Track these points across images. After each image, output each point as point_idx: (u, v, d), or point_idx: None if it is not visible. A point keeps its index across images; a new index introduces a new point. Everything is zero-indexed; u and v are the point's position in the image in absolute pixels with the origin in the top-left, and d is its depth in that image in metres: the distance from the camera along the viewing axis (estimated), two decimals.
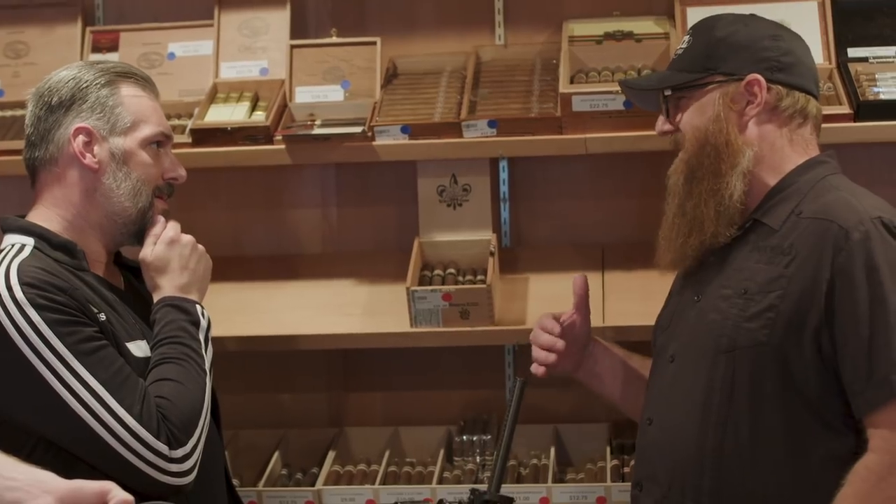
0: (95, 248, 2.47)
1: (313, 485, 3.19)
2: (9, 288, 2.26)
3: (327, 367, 3.52)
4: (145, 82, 2.53)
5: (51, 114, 2.45)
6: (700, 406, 2.34)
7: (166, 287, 2.48)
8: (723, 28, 2.43)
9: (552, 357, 2.58)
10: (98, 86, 2.46)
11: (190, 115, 3.25)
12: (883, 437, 2.17)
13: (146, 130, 2.48)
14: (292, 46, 3.32)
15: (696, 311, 2.40)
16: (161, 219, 2.52)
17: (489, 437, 3.32)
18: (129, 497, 1.84)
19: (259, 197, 3.50)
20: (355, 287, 3.30)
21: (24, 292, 2.25)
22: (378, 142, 3.10)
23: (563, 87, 3.07)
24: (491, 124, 3.07)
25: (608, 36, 3.28)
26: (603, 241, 3.37)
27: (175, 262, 2.49)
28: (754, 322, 2.28)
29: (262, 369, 3.48)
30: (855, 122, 2.96)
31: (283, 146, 3.13)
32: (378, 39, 3.29)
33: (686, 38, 2.48)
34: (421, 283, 3.14)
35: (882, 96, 2.99)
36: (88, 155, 2.43)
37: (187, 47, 3.41)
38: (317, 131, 3.12)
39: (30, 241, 2.39)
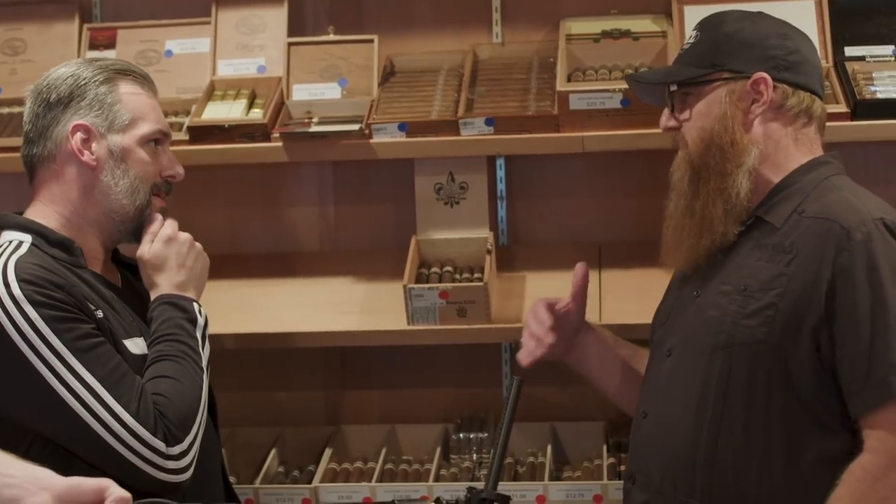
0: (93, 245, 2.47)
1: (310, 482, 3.19)
2: (6, 284, 2.26)
3: (324, 365, 3.52)
4: (144, 80, 2.53)
5: (49, 111, 2.45)
6: (695, 402, 2.35)
7: (163, 285, 2.48)
8: (731, 24, 2.42)
9: (539, 351, 2.59)
10: (97, 83, 2.46)
11: (187, 113, 3.25)
12: (879, 437, 2.17)
13: (144, 128, 2.48)
14: (290, 44, 3.32)
15: (696, 307, 2.41)
16: (158, 216, 2.52)
17: (486, 434, 3.32)
18: (126, 494, 1.84)
19: (256, 195, 3.50)
20: (352, 285, 3.30)
21: (21, 289, 2.25)
22: (375, 140, 3.10)
23: (561, 86, 3.07)
24: (488, 122, 3.08)
25: (605, 34, 3.28)
26: (600, 239, 3.37)
27: (172, 259, 2.49)
28: (753, 319, 2.29)
29: (259, 367, 3.48)
30: (852, 120, 2.96)
31: (280, 144, 3.13)
32: (375, 37, 3.29)
33: (693, 32, 2.47)
34: (418, 281, 3.14)
35: (879, 95, 2.99)
36: (86, 152, 2.43)
37: (185, 45, 3.41)
38: (314, 129, 3.12)
39: (27, 238, 2.39)
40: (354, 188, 3.48)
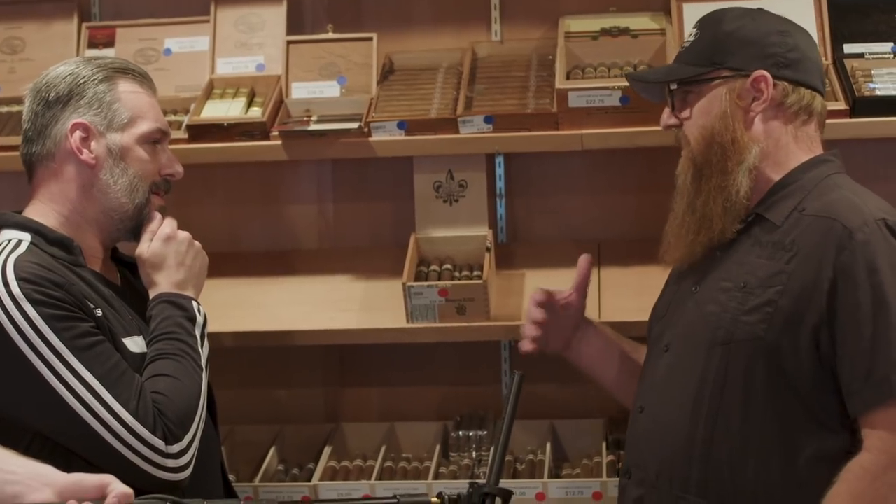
0: (92, 243, 2.47)
1: (309, 480, 3.19)
2: (5, 283, 2.26)
3: (324, 363, 3.52)
4: (143, 78, 2.53)
5: (48, 109, 2.45)
6: (692, 397, 2.35)
7: (163, 283, 2.48)
8: (730, 22, 2.42)
9: (538, 336, 2.60)
10: (95, 81, 2.46)
11: (186, 111, 3.25)
12: (880, 436, 2.18)
13: (143, 126, 2.48)
14: (289, 42, 3.32)
15: (694, 302, 2.41)
16: (157, 215, 2.52)
17: (485, 432, 3.32)
18: (128, 490, 1.85)
19: (255, 193, 3.50)
20: (352, 283, 3.30)
21: (20, 288, 2.25)
22: (374, 138, 3.10)
23: (560, 83, 3.07)
24: (487, 120, 3.07)
25: (604, 32, 3.28)
26: (599, 236, 3.37)
27: (171, 258, 2.49)
28: (752, 316, 2.29)
29: (259, 365, 3.48)
30: (851, 118, 2.96)
31: (279, 142, 3.13)
32: (374, 35, 3.29)
33: (693, 30, 2.47)
34: (417, 279, 3.14)
35: (878, 92, 2.99)
36: (85, 150, 2.43)
37: (183, 43, 3.41)
38: (313, 127, 3.12)
39: (26, 237, 2.39)
40: (353, 186, 3.48)
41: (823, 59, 3.12)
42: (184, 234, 2.53)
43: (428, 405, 3.47)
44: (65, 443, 2.25)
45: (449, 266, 3.21)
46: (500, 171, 3.39)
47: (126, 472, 2.20)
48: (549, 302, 2.63)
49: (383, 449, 3.31)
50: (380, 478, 3.19)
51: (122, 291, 2.50)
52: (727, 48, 2.39)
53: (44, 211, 2.45)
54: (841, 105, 2.97)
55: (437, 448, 3.29)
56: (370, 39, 3.29)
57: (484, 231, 3.28)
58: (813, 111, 2.41)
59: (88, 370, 2.24)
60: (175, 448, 2.28)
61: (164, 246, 2.49)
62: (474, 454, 3.30)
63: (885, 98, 2.97)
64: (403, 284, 3.06)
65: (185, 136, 3.14)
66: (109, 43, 3.41)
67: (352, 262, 3.36)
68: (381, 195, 3.46)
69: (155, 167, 2.51)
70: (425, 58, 3.37)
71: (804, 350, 2.25)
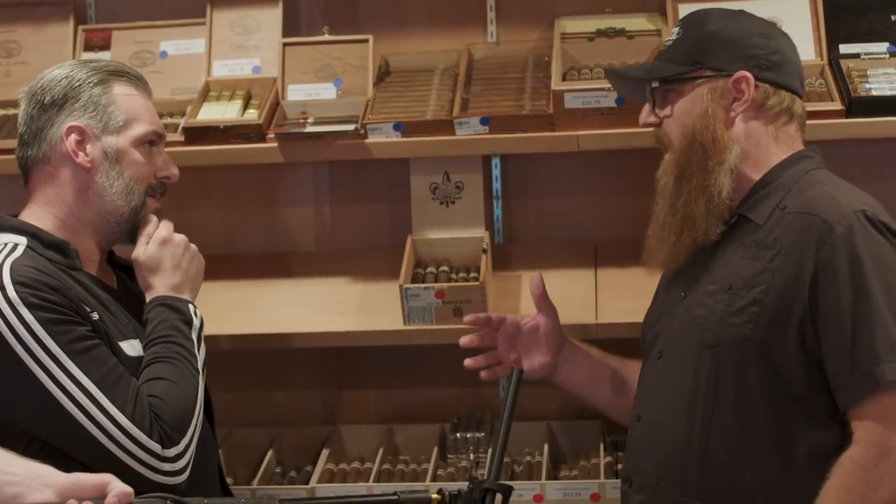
0: (88, 246, 2.47)
1: (307, 483, 3.19)
2: (2, 287, 2.26)
3: (321, 365, 3.52)
4: (138, 81, 2.53)
5: (43, 112, 2.45)
6: (686, 401, 2.36)
7: (159, 286, 2.48)
8: (713, 22, 2.43)
9: (486, 367, 2.71)
10: (91, 84, 2.46)
11: (182, 114, 3.25)
12: (868, 429, 2.18)
13: (139, 129, 2.48)
14: (284, 44, 3.31)
15: (683, 308, 2.42)
16: (153, 218, 2.52)
17: (483, 434, 3.32)
18: (128, 489, 1.86)
19: (252, 195, 3.50)
20: (348, 285, 3.30)
21: (16, 291, 2.25)
22: (370, 139, 3.10)
23: (556, 85, 3.07)
24: (483, 122, 3.07)
25: (600, 33, 3.29)
26: (596, 238, 3.37)
27: (167, 261, 2.49)
28: (739, 317, 2.30)
29: (256, 367, 3.48)
30: (846, 118, 2.96)
31: (275, 144, 3.13)
32: (370, 37, 3.29)
33: (676, 29, 2.48)
34: (414, 281, 3.14)
35: (873, 92, 2.99)
36: (81, 154, 2.43)
37: (179, 45, 3.41)
38: (309, 129, 3.12)
39: (22, 241, 2.38)
40: (350, 188, 3.48)
41: (819, 59, 3.13)
42: (180, 237, 2.53)
43: (425, 407, 3.47)
44: (61, 446, 2.25)
45: (445, 268, 3.21)
46: (496, 172, 3.39)
47: (123, 475, 2.18)
48: (489, 326, 2.68)
49: (381, 451, 3.31)
50: (378, 480, 3.19)
51: (118, 295, 2.50)
52: (710, 48, 2.40)
53: (40, 214, 2.45)
54: (837, 105, 2.97)
55: (435, 450, 3.29)
56: (366, 41, 3.29)
57: (480, 233, 3.28)
58: (793, 113, 2.41)
59: (85, 374, 2.24)
60: (171, 452, 2.27)
61: (160, 249, 2.49)
62: (472, 456, 3.30)
63: (880, 98, 2.97)
64: (400, 286, 3.06)
65: (182, 138, 3.14)
66: (105, 46, 3.41)
67: (348, 265, 3.36)
68: (378, 197, 3.46)
69: (150, 170, 2.51)
70: (421, 59, 3.37)
71: (792, 347, 2.25)
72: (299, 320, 3.17)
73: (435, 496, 2.03)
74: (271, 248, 3.49)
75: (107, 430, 2.23)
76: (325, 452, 3.31)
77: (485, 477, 2.10)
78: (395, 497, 2.02)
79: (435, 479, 3.17)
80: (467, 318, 2.74)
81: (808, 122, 2.84)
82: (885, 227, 2.24)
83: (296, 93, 3.26)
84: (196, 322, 2.46)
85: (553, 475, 3.23)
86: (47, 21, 3.44)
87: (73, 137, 2.43)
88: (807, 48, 3.13)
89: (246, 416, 3.46)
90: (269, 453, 3.32)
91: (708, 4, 3.05)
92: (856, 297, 2.19)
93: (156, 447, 2.25)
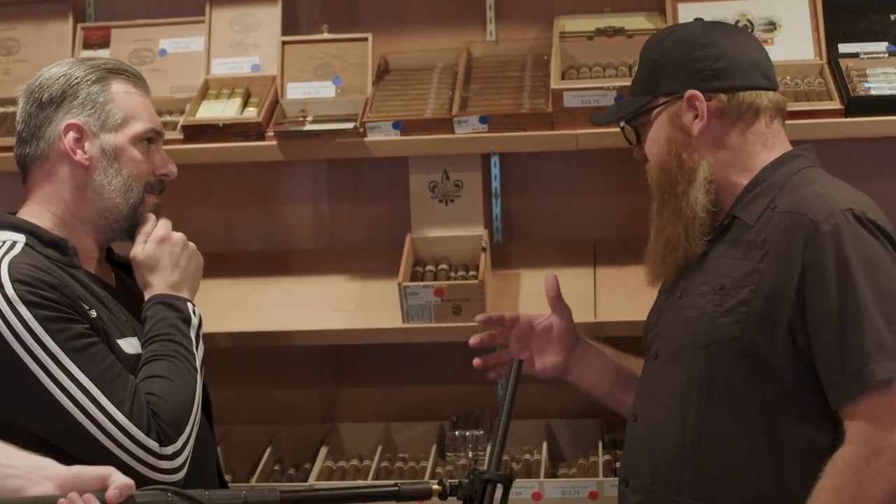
0: (87, 244, 2.47)
1: (306, 480, 3.19)
2: (0, 285, 2.26)
3: (319, 363, 3.52)
4: (136, 79, 2.53)
5: (41, 110, 2.45)
6: (680, 401, 2.36)
7: (157, 285, 2.48)
8: (653, 48, 2.47)
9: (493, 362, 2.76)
10: (89, 82, 2.46)
11: (181, 112, 3.24)
12: (859, 428, 2.17)
13: (137, 127, 2.48)
14: (284, 43, 3.31)
15: (678, 308, 2.42)
16: (152, 217, 2.52)
17: (481, 432, 3.32)
18: (129, 481, 1.86)
19: (251, 193, 3.50)
20: (347, 283, 3.30)
21: (15, 289, 2.25)
22: (370, 138, 3.10)
23: (555, 83, 3.07)
24: (482, 120, 3.07)
25: (599, 32, 3.28)
26: (594, 236, 3.37)
27: (166, 260, 2.49)
28: (729, 317, 2.30)
29: (255, 365, 3.48)
30: (846, 117, 2.96)
31: (274, 142, 3.13)
32: (369, 36, 3.29)
33: (639, 59, 2.51)
34: (413, 279, 3.14)
35: (873, 92, 2.99)
36: (79, 151, 2.43)
37: (178, 43, 3.41)
38: (308, 127, 3.12)
39: (21, 238, 2.38)
40: (349, 186, 3.48)
41: (818, 58, 3.13)
42: (178, 236, 2.53)
43: (424, 405, 3.47)
44: (59, 444, 2.25)
45: (444, 266, 3.21)
46: (495, 170, 3.39)
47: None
48: (502, 324, 2.70)
49: (379, 449, 3.31)
50: (376, 477, 3.19)
51: (116, 292, 2.50)
52: (658, 74, 2.44)
53: (38, 212, 2.45)
54: (836, 105, 2.97)
55: (434, 448, 3.29)
56: (365, 40, 3.29)
57: (479, 231, 3.28)
58: (759, 109, 2.40)
59: (83, 371, 2.25)
60: (169, 450, 2.28)
61: (159, 248, 2.49)
62: (471, 454, 3.30)
63: (879, 97, 2.97)
64: (399, 284, 3.06)
65: (181, 136, 3.14)
66: (104, 44, 3.41)
67: (347, 263, 3.36)
68: (377, 195, 3.46)
69: (149, 167, 2.51)
70: (420, 58, 3.37)
71: (782, 347, 2.25)
72: (298, 318, 3.17)
73: (436, 487, 2.03)
74: (270, 247, 3.49)
75: (104, 427, 2.23)
76: (323, 450, 3.31)
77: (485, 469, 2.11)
78: (397, 488, 2.03)
79: (434, 476, 3.17)
80: (479, 317, 2.75)
81: (808, 121, 2.86)
82: (873, 225, 2.23)
83: (295, 91, 3.26)
84: (195, 320, 2.46)
85: (551, 473, 3.23)
86: (47, 19, 3.44)
87: (72, 135, 2.43)
88: (806, 48, 3.14)
89: (245, 413, 3.46)
90: (268, 451, 3.32)
91: (705, 3, 3.07)
92: (844, 296, 2.18)
93: (153, 445, 2.26)
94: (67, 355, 2.24)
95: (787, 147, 2.43)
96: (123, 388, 2.27)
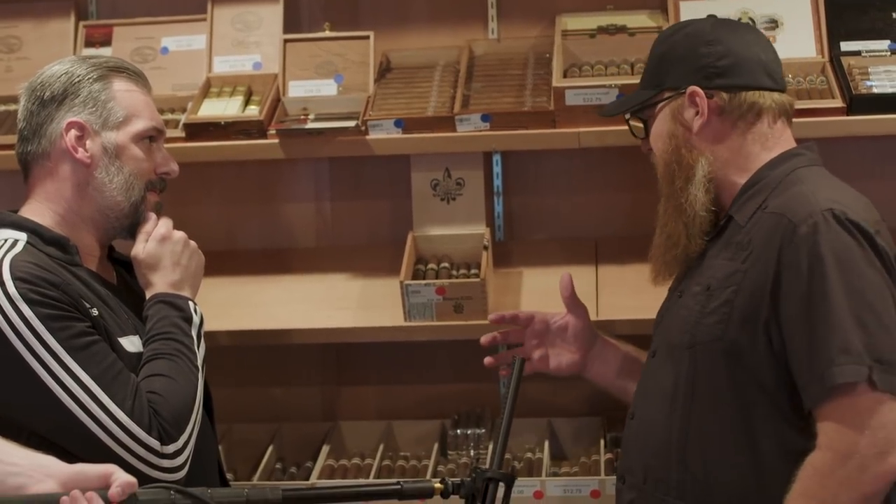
0: (88, 242, 2.47)
1: (307, 479, 3.19)
2: (1, 283, 2.26)
3: (321, 361, 3.52)
4: (138, 77, 2.53)
5: (43, 108, 2.45)
6: (668, 400, 2.37)
7: (159, 284, 2.48)
8: (662, 43, 2.47)
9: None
10: (90, 80, 2.46)
11: (183, 110, 3.24)
12: (826, 432, 2.15)
13: (138, 125, 2.48)
14: (285, 41, 3.31)
15: (677, 307, 2.42)
16: (152, 215, 2.52)
17: (483, 430, 3.32)
18: (131, 479, 1.86)
19: (252, 191, 3.50)
20: (349, 281, 3.30)
21: (16, 287, 2.25)
22: (371, 136, 3.10)
23: (557, 81, 3.07)
24: (484, 118, 3.07)
25: (601, 30, 3.28)
26: (596, 234, 3.37)
27: (167, 258, 2.49)
28: (711, 318, 2.30)
29: (256, 363, 3.49)
30: (847, 115, 2.96)
31: (276, 140, 3.13)
32: (371, 34, 3.29)
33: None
34: (414, 277, 3.14)
35: (875, 90, 2.99)
36: (80, 149, 2.43)
37: (180, 41, 3.41)
38: (310, 125, 3.12)
39: (22, 236, 2.38)
40: (350, 185, 3.48)
41: (820, 56, 3.12)
42: (179, 234, 2.53)
43: (425, 403, 3.47)
44: (60, 442, 2.25)
45: (446, 264, 3.21)
46: (497, 169, 3.39)
47: None
48: (516, 323, 2.71)
49: (381, 447, 3.31)
50: (378, 476, 3.20)
51: (118, 290, 2.50)
52: (664, 69, 2.43)
53: (40, 210, 2.45)
54: (838, 103, 2.97)
55: (435, 446, 3.29)
56: (367, 38, 3.29)
57: (481, 229, 3.28)
58: (762, 109, 2.39)
59: (84, 370, 2.24)
60: (170, 448, 2.28)
61: (160, 246, 2.49)
62: (472, 452, 3.30)
63: (881, 96, 2.97)
64: (401, 283, 3.06)
65: (183, 134, 3.14)
66: (106, 41, 3.41)
67: (349, 261, 3.36)
68: (379, 193, 3.46)
69: (150, 165, 2.51)
70: (422, 56, 3.37)
71: (761, 348, 2.24)
72: (300, 316, 3.17)
73: (438, 486, 2.03)
74: (272, 245, 3.49)
75: (105, 426, 2.23)
76: (325, 448, 3.31)
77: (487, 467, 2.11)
78: (399, 487, 2.03)
79: (435, 475, 3.17)
80: (492, 316, 2.75)
81: (809, 119, 2.85)
82: (854, 226, 2.19)
83: (297, 89, 3.26)
84: (196, 319, 2.46)
85: (553, 472, 3.23)
86: (48, 17, 3.44)
87: (73, 133, 2.43)
88: (808, 46, 3.13)
89: (246, 411, 3.46)
90: (270, 449, 3.32)
91: (707, 1, 3.06)
92: (815, 297, 2.15)
93: (154, 443, 2.26)
94: (69, 353, 2.24)
95: (790, 147, 2.42)
96: (125, 386, 2.27)
